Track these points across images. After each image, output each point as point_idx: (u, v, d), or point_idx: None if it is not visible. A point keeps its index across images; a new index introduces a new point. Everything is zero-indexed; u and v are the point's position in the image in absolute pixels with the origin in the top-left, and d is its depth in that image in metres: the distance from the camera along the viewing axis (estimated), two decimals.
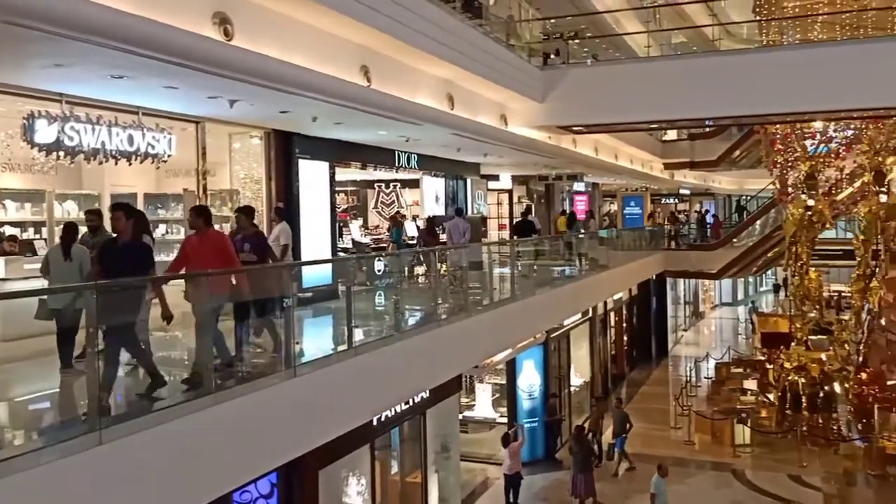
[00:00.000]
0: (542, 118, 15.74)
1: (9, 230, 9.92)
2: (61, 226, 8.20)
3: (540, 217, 24.67)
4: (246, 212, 8.67)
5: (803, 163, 20.96)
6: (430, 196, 18.69)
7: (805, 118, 18.74)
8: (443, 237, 17.39)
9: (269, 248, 8.56)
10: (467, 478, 15.12)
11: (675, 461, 17.56)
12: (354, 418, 8.16)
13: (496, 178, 23.52)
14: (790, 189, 21.80)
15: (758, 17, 20.17)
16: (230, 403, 6.05)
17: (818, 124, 20.56)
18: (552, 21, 21.44)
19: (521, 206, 26.26)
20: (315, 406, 7.25)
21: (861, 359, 19.31)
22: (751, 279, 45.99)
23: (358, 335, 8.81)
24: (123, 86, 8.16)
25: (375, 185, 19.40)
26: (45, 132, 8.29)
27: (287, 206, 11.76)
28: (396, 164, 16.10)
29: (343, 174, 16.38)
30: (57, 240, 8.32)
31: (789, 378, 19.69)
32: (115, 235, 7.00)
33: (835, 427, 19.03)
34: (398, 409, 11.12)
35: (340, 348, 8.23)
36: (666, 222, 32.78)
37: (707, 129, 27.70)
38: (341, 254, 14.23)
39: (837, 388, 19.84)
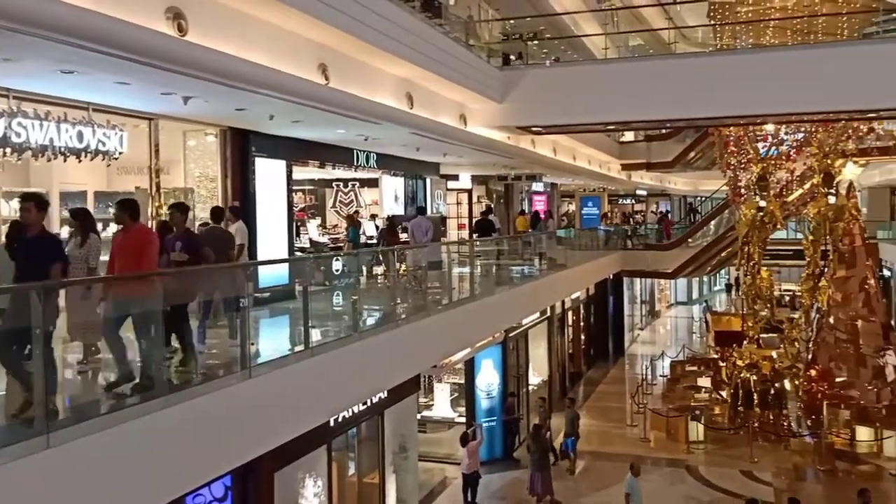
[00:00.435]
0: (502, 118, 15.79)
1: None
2: (7, 224, 7.94)
3: (500, 217, 24.79)
4: (180, 209, 8.14)
5: (755, 165, 21.40)
6: (390, 195, 18.62)
7: (757, 121, 19.16)
8: (404, 236, 17.39)
9: (203, 249, 7.92)
10: (425, 478, 15.11)
11: (632, 458, 17.78)
12: (311, 419, 8.09)
13: (456, 177, 23.55)
14: (743, 190, 22.26)
15: (712, 22, 20.56)
16: (183, 406, 5.94)
17: (770, 127, 21.02)
18: (511, 22, 21.56)
19: (481, 205, 26.36)
20: (271, 407, 7.17)
21: (810, 356, 19.78)
22: (705, 279, 46.85)
23: (315, 335, 8.75)
24: (73, 81, 7.95)
25: (334, 184, 19.25)
26: None
27: (243, 205, 11.59)
28: (355, 163, 16.00)
29: (301, 173, 16.21)
30: (3, 238, 8.06)
31: (741, 375, 20.11)
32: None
33: (785, 423, 19.50)
34: (356, 410, 11.06)
35: (297, 349, 8.16)
36: (619, 222, 33.35)
37: (663, 131, 28.12)
38: (298, 253, 14.08)
39: (788, 385, 20.33)
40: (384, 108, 11.75)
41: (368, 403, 11.39)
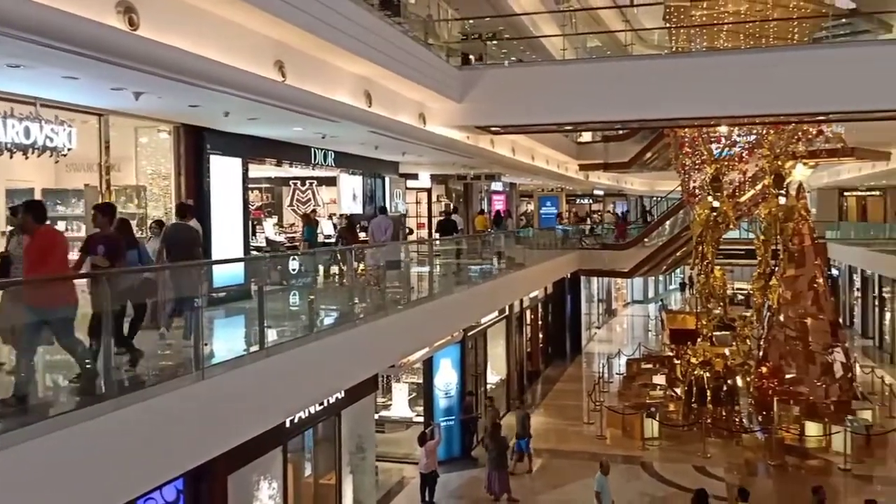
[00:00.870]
0: (461, 118, 15.81)
1: None
2: None
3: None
4: (102, 210, 7.57)
5: (709, 166, 21.78)
6: (348, 194, 18.49)
7: (711, 123, 19.52)
8: (363, 235, 17.29)
9: (123, 254, 7.36)
10: (383, 478, 15.06)
11: (588, 455, 18.02)
12: (266, 421, 7.99)
13: (415, 176, 23.51)
14: (697, 191, 22.65)
15: (667, 25, 20.85)
16: (132, 408, 5.82)
17: (723, 129, 21.42)
18: (471, 22, 21.60)
19: (440, 204, 26.39)
20: (224, 409, 7.07)
21: (761, 354, 20.23)
22: (661, 278, 47.61)
23: (271, 336, 8.66)
24: (20, 75, 7.71)
25: (291, 182, 19.05)
26: None
27: (197, 204, 11.39)
28: (313, 162, 15.84)
29: (257, 171, 16.01)
30: None
31: (695, 373, 20.47)
32: None
33: (737, 419, 19.90)
34: (312, 411, 10.96)
35: (252, 349, 8.06)
36: (574, 221, 33.78)
37: (620, 132, 28.46)
38: (255, 252, 13.90)
39: (740, 381, 20.75)
40: (342, 107, 11.67)
41: (325, 404, 11.29)
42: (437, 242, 17.72)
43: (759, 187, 21.94)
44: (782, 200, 20.67)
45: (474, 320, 18.16)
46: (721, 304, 22.54)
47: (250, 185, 15.09)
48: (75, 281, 6.38)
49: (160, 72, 7.90)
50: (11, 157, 8.76)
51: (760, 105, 14.97)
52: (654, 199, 40.93)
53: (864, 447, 17.67)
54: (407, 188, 23.21)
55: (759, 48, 18.19)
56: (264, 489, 9.74)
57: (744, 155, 21.93)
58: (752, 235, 24.14)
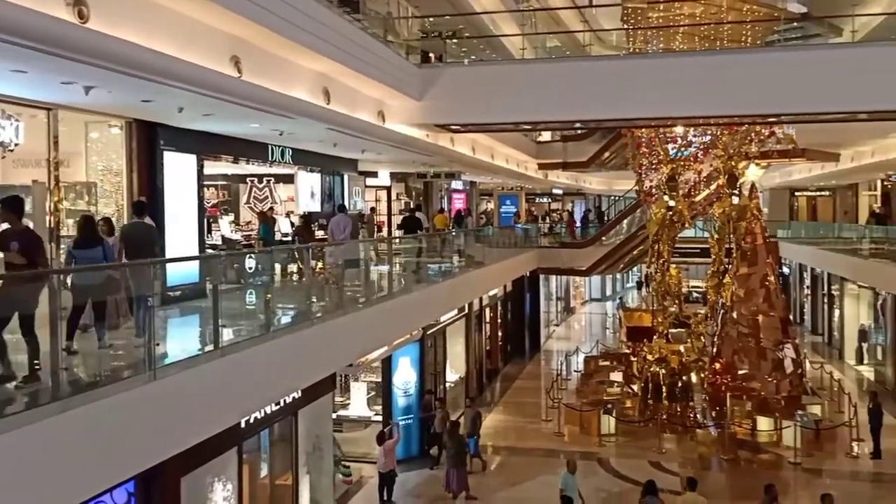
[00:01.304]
0: (420, 116, 15.79)
1: None
2: None
3: None
4: (9, 204, 7.08)
5: (665, 165, 22.09)
6: (306, 192, 18.32)
7: (667, 123, 19.81)
8: (321, 233, 17.15)
9: (41, 249, 7.04)
10: (341, 477, 14.94)
11: (546, 452, 18.19)
12: (220, 422, 7.88)
13: (374, 174, 23.41)
14: (654, 190, 22.96)
15: (625, 26, 21.08)
16: (81, 409, 5.70)
17: (679, 129, 21.75)
18: (431, 20, 21.56)
19: (400, 203, 26.33)
20: (177, 410, 6.96)
21: (715, 350, 20.58)
22: (618, 276, 48.22)
23: (227, 335, 8.54)
24: None
25: (248, 179, 18.79)
26: None
27: (150, 201, 11.15)
28: (270, 159, 15.66)
29: (213, 167, 15.77)
30: None
31: (651, 369, 20.75)
32: None
33: (691, 415, 20.22)
34: (268, 411, 10.83)
35: (207, 349, 7.94)
36: (528, 220, 34.18)
37: (578, 132, 28.73)
38: (210, 251, 13.68)
39: (694, 378, 21.09)
40: (299, 103, 11.56)
41: (282, 404, 11.18)
42: (397, 240, 17.67)
43: (713, 187, 22.31)
44: (735, 200, 21.05)
45: (433, 319, 18.16)
46: (676, 301, 22.89)
47: (206, 183, 14.87)
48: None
49: (111, 66, 7.73)
50: None
51: (715, 106, 15.27)
52: (613, 198, 41.39)
53: (814, 441, 18.10)
54: (366, 186, 23.11)
55: (714, 50, 18.50)
56: (218, 491, 9.60)
57: (699, 155, 22.28)
58: (706, 234, 24.54)
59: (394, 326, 13.85)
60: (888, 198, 30.72)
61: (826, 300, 32.60)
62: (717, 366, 20.08)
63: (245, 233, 16.69)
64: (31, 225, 10.03)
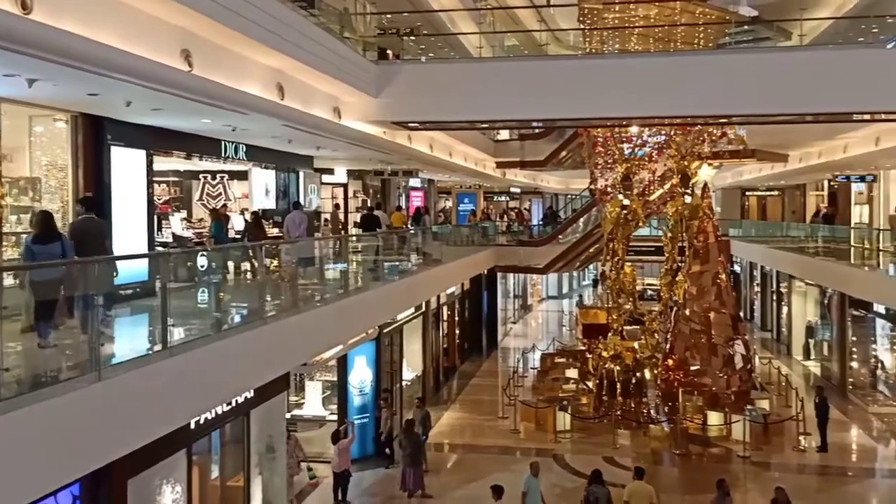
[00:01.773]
0: (377, 113, 15.69)
1: None
2: None
3: None
4: None
5: (620, 165, 22.37)
6: (260, 188, 18.09)
7: (623, 123, 20.06)
8: (275, 231, 16.95)
9: None
10: (295, 478, 14.76)
11: (502, 449, 18.29)
12: (168, 423, 7.73)
13: (331, 171, 23.21)
14: (609, 189, 23.23)
15: (582, 27, 21.27)
16: (24, 411, 5.55)
17: (634, 129, 22.04)
18: (389, 17, 21.45)
19: (357, 200, 26.17)
20: (123, 411, 6.81)
21: (668, 347, 20.92)
22: (574, 274, 48.70)
23: (177, 334, 8.39)
24: None
25: (201, 175, 18.46)
26: None
27: (97, 197, 10.87)
28: (223, 155, 15.39)
29: (165, 163, 15.46)
30: None
31: (606, 366, 20.98)
32: None
33: (645, 411, 20.52)
34: (219, 411, 10.66)
35: (155, 348, 7.79)
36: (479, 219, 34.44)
37: (536, 131, 28.91)
38: (159, 248, 13.40)
39: (648, 374, 21.41)
40: (252, 99, 11.38)
41: (233, 404, 11.01)
42: (354, 238, 17.55)
43: (667, 186, 22.67)
44: (688, 199, 21.40)
45: (390, 317, 18.10)
46: (631, 299, 23.20)
47: (157, 179, 14.55)
48: None
49: (55, 58, 7.51)
50: None
51: (668, 106, 15.49)
52: (569, 197, 41.76)
53: (762, 435, 18.54)
54: (322, 183, 22.90)
55: (668, 52, 18.78)
56: (167, 493, 9.41)
57: (653, 155, 22.62)
58: (660, 233, 24.92)
59: (350, 325, 13.76)
60: (835, 198, 31.57)
61: (775, 297, 33.40)
62: (670, 362, 20.41)
63: (197, 230, 16.39)
64: None
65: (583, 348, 24.16)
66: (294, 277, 12.02)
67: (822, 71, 14.33)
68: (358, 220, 20.48)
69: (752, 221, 40.91)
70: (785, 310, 31.30)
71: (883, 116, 16.18)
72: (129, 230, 11.77)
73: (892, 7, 20.71)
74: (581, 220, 30.53)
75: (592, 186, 24.94)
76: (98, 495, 8.20)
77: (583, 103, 15.21)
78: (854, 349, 23.44)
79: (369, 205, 25.20)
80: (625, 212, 22.04)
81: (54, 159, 11.06)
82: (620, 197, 22.21)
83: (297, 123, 13.40)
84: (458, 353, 27.84)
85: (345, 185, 24.97)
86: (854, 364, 23.48)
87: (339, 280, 14.00)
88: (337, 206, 22.71)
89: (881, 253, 19.44)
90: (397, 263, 17.39)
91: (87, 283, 7.42)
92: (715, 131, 21.10)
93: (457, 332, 27.62)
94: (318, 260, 14.18)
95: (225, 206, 17.15)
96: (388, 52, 19.57)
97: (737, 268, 38.11)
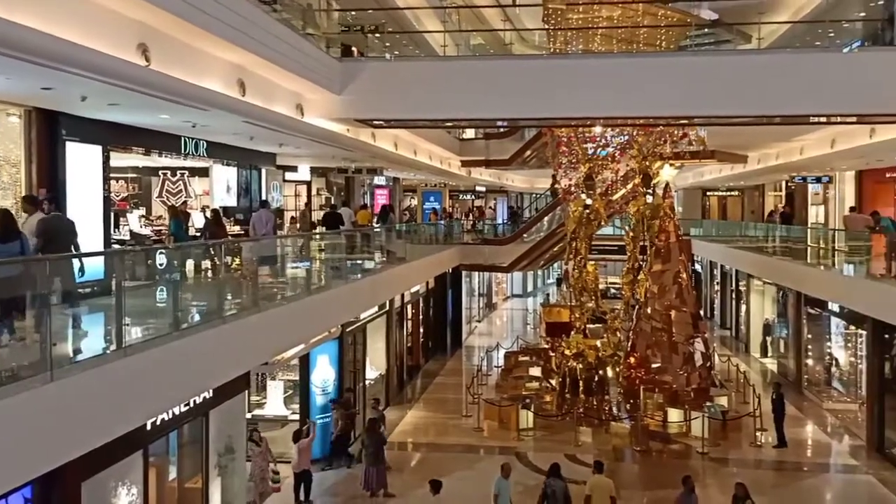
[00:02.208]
0: (340, 110, 15.60)
1: None
2: None
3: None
4: None
5: (583, 165, 22.55)
6: (221, 186, 17.86)
7: (586, 123, 20.23)
8: (236, 229, 16.76)
9: None
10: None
11: (465, 448, 18.32)
12: (124, 424, 7.60)
13: (294, 169, 23.03)
14: (572, 189, 23.41)
15: (546, 27, 21.39)
16: None
17: (598, 129, 22.23)
18: (353, 13, 21.34)
19: (321, 198, 25.99)
20: (76, 412, 6.69)
21: (630, 345, 21.15)
22: (539, 272, 49.01)
23: (134, 333, 8.25)
24: None
25: (161, 172, 18.17)
26: None
27: (52, 193, 10.64)
28: (184, 151, 15.17)
29: (123, 159, 15.18)
30: None
31: (569, 364, 21.12)
32: None
33: (607, 408, 20.71)
34: (177, 412, 10.50)
35: (111, 348, 7.64)
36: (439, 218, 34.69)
37: (501, 130, 29.01)
38: (116, 246, 13.16)
39: (610, 372, 21.61)
40: (212, 95, 11.23)
41: (191, 404, 10.85)
42: (318, 236, 17.42)
43: (629, 186, 22.93)
44: (650, 199, 21.65)
45: (353, 316, 18.01)
46: (594, 297, 23.39)
47: (115, 175, 14.31)
48: None
49: (7, 51, 7.38)
50: None
51: (631, 107, 15.66)
52: (534, 196, 41.99)
53: (721, 431, 18.85)
54: (285, 180, 22.71)
55: (630, 53, 18.98)
56: (122, 495, 9.24)
57: (616, 155, 22.85)
58: (623, 232, 25.17)
59: (312, 324, 13.67)
60: (792, 198, 32.22)
61: (734, 296, 33.97)
62: (632, 360, 20.64)
63: (156, 228, 16.13)
64: None
65: (546, 347, 24.29)
66: (256, 276, 11.89)
67: (780, 74, 14.61)
68: (320, 219, 20.33)
69: (712, 221, 41.57)
70: (743, 308, 31.84)
71: (838, 119, 16.59)
72: (84, 227, 11.48)
73: (848, 12, 21.18)
74: (545, 218, 30.73)
75: (556, 186, 25.10)
76: (50, 498, 8.03)
77: (547, 103, 15.28)
78: (809, 347, 23.94)
79: (332, 202, 25.06)
80: (588, 211, 22.21)
81: (7, 154, 10.79)
82: (583, 196, 22.38)
83: (259, 120, 13.27)
84: (423, 352, 27.81)
85: (308, 183, 24.79)
86: (809, 361, 23.99)
87: (301, 278, 13.90)
88: (307, 205, 22.52)
89: (836, 253, 19.91)
90: (360, 262, 17.30)
91: (52, 282, 7.29)
92: (676, 132, 21.39)
93: (421, 330, 27.59)
94: (281, 258, 14.06)
95: (185, 203, 16.92)
96: (353, 49, 19.48)
97: (698, 267, 38.69)
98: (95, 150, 11.99)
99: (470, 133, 31.24)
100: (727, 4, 23.10)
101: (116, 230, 14.17)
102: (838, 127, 18.51)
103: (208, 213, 16.24)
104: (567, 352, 21.49)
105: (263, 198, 19.30)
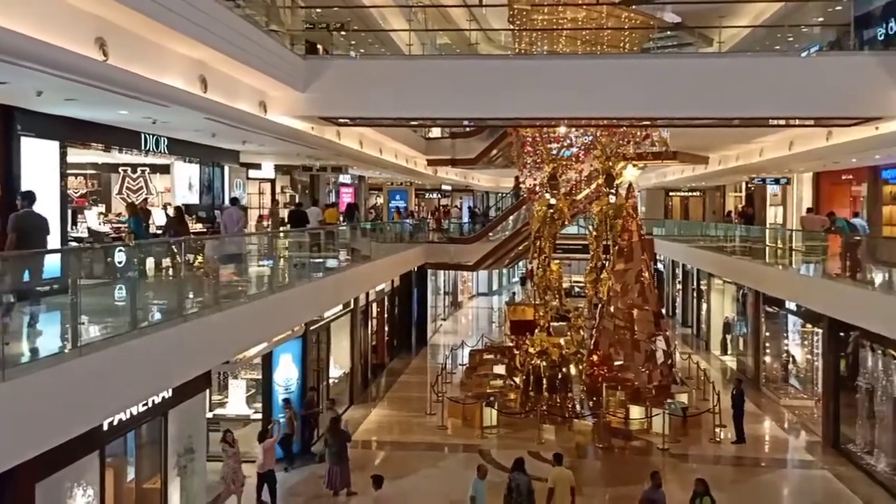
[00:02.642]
0: (304, 108, 15.52)
1: None
2: None
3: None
4: None
5: (548, 165, 22.71)
6: (183, 183, 17.62)
7: (551, 123, 20.38)
8: (198, 226, 16.56)
9: None
10: (215, 479, 14.43)
11: (429, 446, 18.35)
12: (78, 424, 7.48)
13: (258, 166, 22.83)
14: (537, 188, 23.56)
15: (511, 27, 21.50)
16: None
17: (562, 130, 22.42)
18: (318, 11, 21.22)
19: (285, 196, 25.79)
20: (29, 412, 6.59)
21: (593, 343, 21.34)
22: (504, 271, 49.24)
23: (91, 332, 8.12)
24: None
25: (121, 168, 17.85)
26: None
27: (5, 190, 10.42)
28: (144, 148, 14.93)
29: (81, 156, 14.91)
30: None
31: (533, 362, 21.26)
32: None
33: (570, 406, 20.89)
34: (135, 411, 10.36)
35: (67, 348, 7.51)
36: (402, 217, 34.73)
37: (467, 129, 29.09)
38: (73, 243, 12.91)
39: (573, 369, 21.80)
40: (173, 91, 11.09)
41: (150, 404, 10.71)
42: (282, 234, 17.29)
43: (593, 186, 23.13)
44: (613, 199, 21.87)
45: (317, 314, 17.93)
46: (557, 296, 23.57)
47: (73, 171, 14.05)
48: None
49: None
50: None
51: (595, 108, 15.83)
52: (499, 195, 42.16)
53: (681, 428, 19.15)
54: (249, 178, 22.49)
55: (594, 55, 19.16)
56: (78, 497, 9.08)
57: (580, 155, 23.05)
58: (587, 231, 25.39)
59: (275, 322, 13.58)
60: (751, 199, 32.80)
61: (695, 294, 34.50)
62: (595, 358, 20.82)
63: (115, 225, 15.85)
64: None
65: (511, 345, 24.42)
66: (218, 274, 11.78)
67: (740, 77, 14.90)
68: (286, 217, 20.20)
69: (674, 221, 42.15)
70: (704, 307, 32.36)
71: (797, 122, 16.95)
72: None
73: (807, 17, 21.62)
74: (510, 217, 30.88)
75: (521, 185, 25.23)
76: (3, 500, 7.86)
77: (512, 103, 15.36)
78: (767, 344, 24.43)
79: (298, 201, 24.89)
80: (552, 210, 22.35)
81: None
82: (548, 196, 22.53)
83: (221, 117, 13.13)
84: (388, 351, 27.77)
85: (272, 181, 24.58)
86: (767, 359, 24.48)
87: (265, 276, 13.80)
88: (276, 202, 22.32)
89: (793, 253, 20.34)
90: (322, 260, 17.20)
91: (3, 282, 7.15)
92: (639, 133, 21.66)
93: (386, 329, 27.54)
94: (245, 256, 13.94)
95: (146, 200, 16.66)
96: (318, 46, 19.38)
97: (660, 266, 39.21)
98: (52, 146, 11.76)
99: (436, 132, 31.24)
100: (689, 8, 23.45)
101: (74, 227, 13.91)
102: (796, 130, 18.90)
103: (170, 211, 16.03)
104: (531, 350, 21.62)
105: (231, 195, 19.14)
